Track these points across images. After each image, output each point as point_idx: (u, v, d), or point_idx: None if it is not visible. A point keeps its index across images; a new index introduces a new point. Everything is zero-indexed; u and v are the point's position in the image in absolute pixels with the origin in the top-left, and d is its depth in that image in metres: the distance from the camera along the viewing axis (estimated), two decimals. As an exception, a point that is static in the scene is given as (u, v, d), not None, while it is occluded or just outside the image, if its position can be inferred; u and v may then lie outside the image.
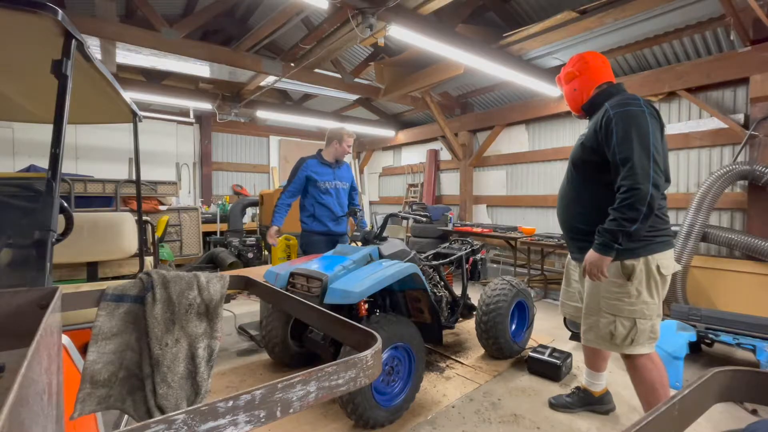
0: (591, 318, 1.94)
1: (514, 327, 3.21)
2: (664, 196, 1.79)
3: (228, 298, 4.73)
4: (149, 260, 3.15)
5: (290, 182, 3.41)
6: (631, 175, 1.68)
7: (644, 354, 1.85)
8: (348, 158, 9.70)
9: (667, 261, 1.82)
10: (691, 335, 2.74)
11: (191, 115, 7.36)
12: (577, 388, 2.44)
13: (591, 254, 1.79)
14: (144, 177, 6.07)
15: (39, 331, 0.54)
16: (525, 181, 6.18)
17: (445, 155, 7.61)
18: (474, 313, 3.18)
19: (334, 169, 3.51)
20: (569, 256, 2.20)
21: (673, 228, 3.89)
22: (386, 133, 8.44)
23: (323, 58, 4.69)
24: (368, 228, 3.05)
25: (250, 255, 5.56)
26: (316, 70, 5.53)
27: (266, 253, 5.82)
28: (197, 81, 6.29)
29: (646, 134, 1.69)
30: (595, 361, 2.31)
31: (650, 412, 0.55)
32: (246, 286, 1.31)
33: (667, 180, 1.78)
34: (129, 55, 4.58)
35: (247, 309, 4.41)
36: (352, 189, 3.70)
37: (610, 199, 1.76)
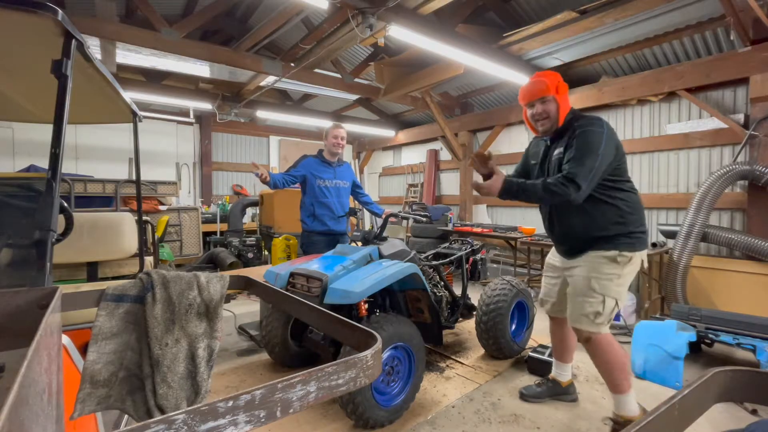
0: (579, 298, 2.10)
1: (514, 327, 3.20)
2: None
3: (228, 298, 4.73)
4: (149, 260, 3.15)
5: (289, 168, 3.52)
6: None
7: (606, 333, 2.08)
8: (348, 158, 9.72)
9: (643, 257, 2.13)
10: (691, 335, 2.74)
11: (191, 115, 7.36)
12: (547, 378, 2.59)
13: (496, 185, 2.01)
14: (144, 177, 6.06)
15: (39, 331, 0.54)
16: (525, 181, 6.17)
17: (445, 155, 7.61)
18: (474, 313, 3.18)
19: (335, 168, 3.51)
20: (552, 251, 2.43)
21: (673, 228, 3.93)
22: (386, 133, 8.44)
23: (323, 58, 4.69)
24: (368, 228, 3.05)
25: (250, 255, 5.56)
26: (316, 70, 5.53)
27: (266, 253, 5.82)
28: (197, 81, 6.29)
29: (597, 148, 1.96)
30: (562, 354, 2.52)
31: (650, 411, 0.55)
32: (246, 286, 1.31)
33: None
34: (129, 55, 4.58)
35: (247, 309, 4.41)
36: (357, 186, 3.70)
37: (599, 205, 2.03)
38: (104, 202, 4.95)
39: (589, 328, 2.05)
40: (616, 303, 2.04)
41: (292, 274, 2.43)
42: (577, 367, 2.94)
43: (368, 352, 0.69)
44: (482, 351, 3.18)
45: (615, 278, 2.02)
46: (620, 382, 2.05)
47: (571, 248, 2.18)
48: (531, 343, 3.30)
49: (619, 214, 2.02)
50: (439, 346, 3.26)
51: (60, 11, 1.14)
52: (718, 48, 4.10)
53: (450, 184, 7.62)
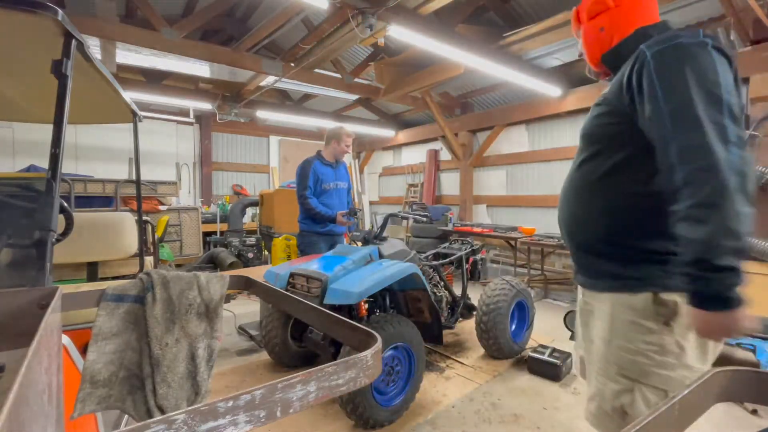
0: (597, 380, 1.17)
1: (514, 327, 3.20)
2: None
3: (228, 298, 4.73)
4: (149, 260, 3.15)
5: (306, 186, 3.36)
6: (690, 149, 0.91)
7: None
8: (348, 158, 9.72)
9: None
10: (691, 335, 2.74)
11: (191, 115, 7.36)
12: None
13: (695, 313, 0.94)
14: (144, 177, 6.05)
15: (39, 331, 0.54)
16: (525, 181, 6.18)
17: (445, 155, 7.61)
18: (474, 313, 3.18)
19: (335, 169, 3.51)
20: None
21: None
22: (386, 133, 8.44)
23: (323, 58, 4.69)
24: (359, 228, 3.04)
25: (250, 255, 5.56)
26: (316, 70, 5.53)
27: (266, 253, 5.82)
28: (197, 81, 6.29)
29: (713, 80, 0.94)
30: None
31: (650, 412, 0.55)
32: (246, 286, 1.30)
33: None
34: (129, 55, 4.58)
35: (247, 309, 4.41)
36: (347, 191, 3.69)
37: (637, 195, 1.09)
38: (104, 202, 4.95)
39: None
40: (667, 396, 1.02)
41: (292, 275, 2.43)
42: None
43: (368, 352, 0.69)
44: (482, 351, 3.18)
45: (656, 353, 1.05)
46: None
47: (572, 252, 1.28)
48: (531, 343, 3.30)
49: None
50: (439, 346, 3.26)
51: (60, 11, 1.14)
52: (718, 48, 4.10)
53: (450, 184, 7.62)
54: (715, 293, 0.92)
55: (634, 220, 1.10)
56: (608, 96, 1.16)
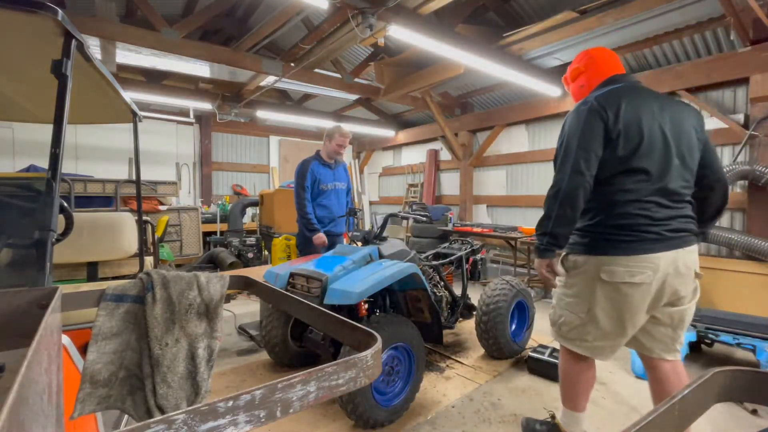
0: None
1: (514, 327, 3.20)
2: (632, 191, 1.60)
3: (228, 298, 4.73)
4: (149, 260, 3.15)
5: (305, 188, 3.35)
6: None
7: (567, 348, 1.86)
8: (348, 158, 9.72)
9: (615, 267, 1.60)
10: (691, 335, 2.74)
11: (191, 115, 7.36)
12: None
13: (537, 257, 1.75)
14: (144, 177, 6.06)
15: (39, 331, 0.54)
16: (525, 181, 6.18)
17: (445, 155, 7.61)
18: (474, 313, 3.18)
19: (333, 169, 3.51)
20: None
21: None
22: (386, 133, 8.44)
23: (323, 58, 4.69)
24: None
25: (250, 255, 5.56)
26: (316, 70, 5.53)
27: (266, 253, 5.82)
28: (197, 81, 6.29)
29: (575, 130, 1.64)
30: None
31: (650, 412, 0.55)
32: (246, 286, 1.30)
33: (643, 172, 1.59)
34: (129, 55, 4.58)
35: (247, 309, 4.41)
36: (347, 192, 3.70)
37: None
38: (104, 202, 4.95)
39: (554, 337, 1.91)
40: (561, 317, 1.82)
41: (292, 275, 2.43)
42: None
43: (368, 352, 0.69)
44: (482, 351, 3.18)
45: (561, 288, 1.82)
46: (564, 397, 1.95)
47: None
48: (531, 343, 3.30)
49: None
50: (439, 346, 3.26)
51: (60, 11, 1.14)
52: (718, 48, 4.10)
53: (450, 184, 7.62)
54: (537, 247, 1.71)
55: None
56: None
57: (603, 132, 1.60)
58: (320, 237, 3.32)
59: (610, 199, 1.63)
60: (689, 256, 1.65)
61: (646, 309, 1.64)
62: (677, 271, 1.61)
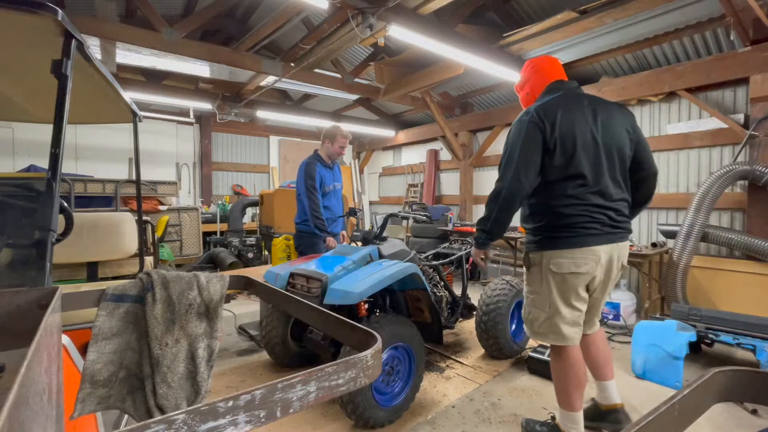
0: None
1: (514, 327, 3.20)
2: (569, 195, 1.80)
3: (228, 298, 4.73)
4: (149, 260, 3.15)
5: (316, 189, 3.29)
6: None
7: (555, 344, 1.95)
8: (348, 158, 9.72)
9: (561, 259, 1.83)
10: (691, 335, 2.74)
11: (191, 115, 7.36)
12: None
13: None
14: (144, 177, 6.06)
15: (39, 331, 0.54)
16: (525, 181, 6.17)
17: (445, 155, 7.61)
18: (474, 313, 3.18)
19: (332, 170, 3.50)
20: None
21: (673, 228, 3.92)
22: (386, 133, 8.44)
23: (323, 58, 4.69)
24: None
25: (250, 255, 5.56)
26: (316, 70, 5.53)
27: (266, 253, 5.82)
28: (197, 81, 6.29)
29: (517, 141, 1.83)
30: (591, 368, 2.15)
31: (650, 412, 0.55)
32: (246, 286, 1.30)
33: (580, 177, 1.78)
34: (129, 55, 4.58)
35: (247, 309, 4.41)
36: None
37: (539, 199, 1.90)
38: (104, 202, 4.95)
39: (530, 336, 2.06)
40: (529, 311, 1.97)
41: (292, 275, 2.43)
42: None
43: (368, 352, 0.69)
44: (482, 351, 3.18)
45: (526, 285, 2.00)
46: (558, 398, 1.97)
47: None
48: (531, 343, 3.30)
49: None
50: (439, 346, 3.26)
51: (60, 11, 1.14)
52: (718, 48, 4.10)
53: (450, 184, 7.62)
54: (476, 239, 2.02)
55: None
56: None
57: (542, 143, 1.79)
58: (333, 240, 3.33)
59: (554, 202, 1.84)
60: (623, 250, 1.90)
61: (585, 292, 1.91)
62: (611, 262, 1.86)
